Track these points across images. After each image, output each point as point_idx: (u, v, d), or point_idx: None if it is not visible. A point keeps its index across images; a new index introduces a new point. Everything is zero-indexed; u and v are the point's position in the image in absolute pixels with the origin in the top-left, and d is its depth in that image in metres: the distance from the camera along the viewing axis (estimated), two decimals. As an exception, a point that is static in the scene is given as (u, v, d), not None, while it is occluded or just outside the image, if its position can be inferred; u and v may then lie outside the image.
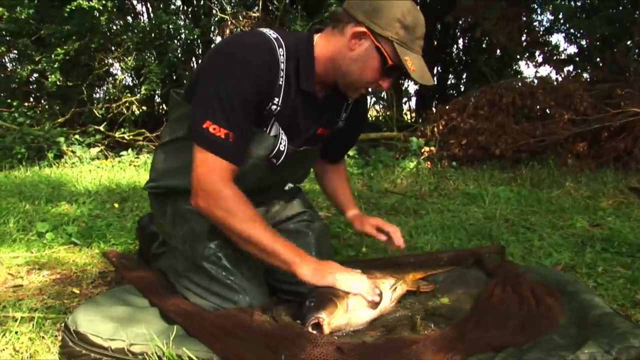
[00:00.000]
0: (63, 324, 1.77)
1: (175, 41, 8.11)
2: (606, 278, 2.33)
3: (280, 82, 1.85)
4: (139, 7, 9.36)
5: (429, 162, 5.66)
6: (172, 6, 9.35)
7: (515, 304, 1.86)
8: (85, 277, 2.51)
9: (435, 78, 10.00)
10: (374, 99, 10.21)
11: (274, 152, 1.93)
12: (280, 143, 1.93)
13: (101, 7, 7.01)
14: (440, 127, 5.97)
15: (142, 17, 9.13)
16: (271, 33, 1.86)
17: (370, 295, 1.77)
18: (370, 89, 1.97)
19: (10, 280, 2.50)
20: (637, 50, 7.04)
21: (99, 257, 2.76)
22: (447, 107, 6.17)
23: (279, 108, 1.88)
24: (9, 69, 8.84)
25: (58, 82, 7.32)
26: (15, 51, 8.33)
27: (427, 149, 5.86)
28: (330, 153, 2.37)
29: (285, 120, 1.93)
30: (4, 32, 7.67)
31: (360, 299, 1.77)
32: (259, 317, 1.70)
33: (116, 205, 3.91)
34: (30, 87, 8.52)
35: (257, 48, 1.80)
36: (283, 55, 1.84)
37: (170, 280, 2.04)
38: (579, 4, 8.19)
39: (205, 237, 1.94)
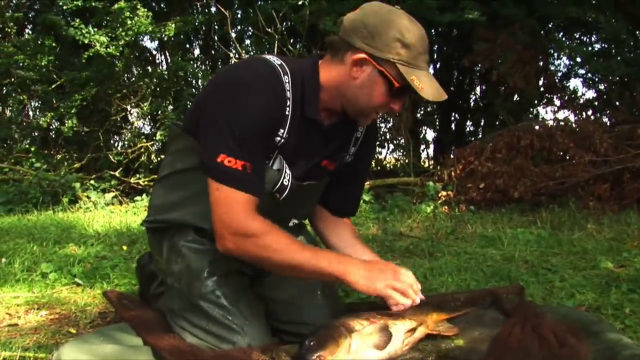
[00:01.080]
0: (48, 362, 1.67)
1: (193, 88, 8.18)
2: (634, 319, 2.18)
3: (287, 112, 1.77)
4: (158, 56, 9.48)
5: (446, 207, 5.53)
6: (191, 55, 9.49)
7: (536, 345, 1.73)
8: (84, 317, 2.43)
9: (453, 125, 9.94)
10: (392, 147, 10.19)
11: (278, 186, 1.84)
12: (284, 177, 1.85)
13: (118, 54, 7.08)
14: (458, 171, 5.86)
15: (161, 66, 9.24)
16: (275, 59, 1.79)
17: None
18: (380, 113, 1.90)
19: (7, 320, 2.43)
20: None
21: (101, 297, 2.67)
22: (464, 150, 6.07)
23: (283, 140, 1.80)
24: (30, 117, 8.95)
25: (75, 128, 7.37)
26: (37, 99, 8.45)
27: (444, 193, 5.74)
28: (340, 203, 2.22)
29: (290, 151, 1.85)
30: (28, 81, 7.79)
31: (364, 339, 1.66)
32: (257, 357, 1.59)
33: (124, 247, 3.83)
34: (51, 133, 8.61)
35: (264, 76, 1.73)
36: (289, 82, 1.76)
37: (167, 320, 1.93)
38: (596, 47, 8.17)
39: (202, 274, 1.85)
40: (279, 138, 1.79)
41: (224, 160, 1.65)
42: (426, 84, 1.72)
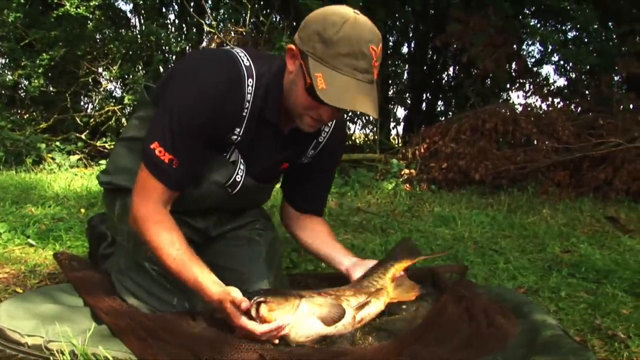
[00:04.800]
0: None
1: (166, 54, 8.08)
2: (568, 302, 2.27)
3: (244, 113, 1.78)
4: (133, 20, 9.31)
5: (407, 185, 5.59)
6: (167, 20, 9.35)
7: (466, 322, 1.80)
8: (33, 278, 2.45)
9: (424, 104, 9.98)
10: (360, 124, 10.22)
11: (230, 181, 1.87)
12: (238, 173, 1.88)
13: (89, 15, 6.97)
14: (422, 150, 5.91)
15: (135, 30, 9.09)
16: (244, 60, 1.77)
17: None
18: (315, 119, 1.77)
19: (-48, 278, 2.42)
20: (619, 81, 7.07)
21: (51, 259, 2.68)
22: (430, 130, 6.12)
23: (239, 138, 1.82)
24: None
25: (42, 88, 7.25)
26: (6, 56, 8.27)
27: (407, 171, 5.79)
28: (307, 202, 2.23)
29: (247, 150, 1.88)
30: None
31: (312, 307, 1.67)
32: (192, 321, 1.63)
33: (82, 210, 3.83)
34: (19, 92, 8.43)
35: (222, 78, 1.72)
36: (252, 85, 1.76)
37: (112, 280, 1.97)
38: (569, 35, 8.25)
39: None
40: (235, 136, 1.81)
41: (156, 149, 1.72)
42: (333, 86, 1.60)
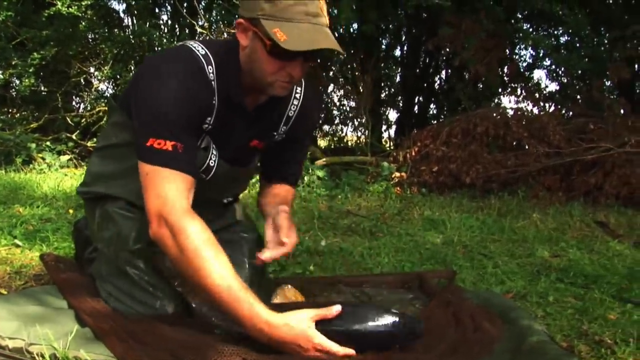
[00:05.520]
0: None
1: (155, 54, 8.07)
2: (556, 308, 2.26)
3: (214, 101, 1.76)
4: (126, 20, 9.30)
5: (398, 188, 5.60)
6: (160, 21, 9.35)
7: (452, 328, 1.79)
8: (18, 279, 2.42)
9: (416, 107, 10.01)
10: (352, 127, 10.25)
11: (204, 167, 1.84)
12: (210, 158, 1.85)
13: (81, 14, 6.96)
14: (413, 153, 5.93)
15: (128, 30, 9.09)
16: (199, 49, 1.76)
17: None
18: (286, 81, 1.73)
19: (-64, 279, 2.40)
20: (610, 87, 7.12)
21: (38, 260, 2.66)
22: (421, 133, 6.14)
23: (210, 127, 1.80)
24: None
25: (32, 87, 7.23)
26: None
27: (397, 174, 5.80)
28: (278, 170, 2.19)
29: (217, 135, 1.85)
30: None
31: None
32: (175, 324, 1.62)
33: (71, 211, 3.81)
34: (10, 91, 8.41)
35: (192, 70, 1.70)
36: (213, 73, 1.74)
37: (96, 285, 1.95)
38: (561, 40, 8.29)
39: (129, 241, 1.86)
40: (206, 125, 1.79)
41: (154, 144, 1.62)
42: (294, 34, 1.59)
